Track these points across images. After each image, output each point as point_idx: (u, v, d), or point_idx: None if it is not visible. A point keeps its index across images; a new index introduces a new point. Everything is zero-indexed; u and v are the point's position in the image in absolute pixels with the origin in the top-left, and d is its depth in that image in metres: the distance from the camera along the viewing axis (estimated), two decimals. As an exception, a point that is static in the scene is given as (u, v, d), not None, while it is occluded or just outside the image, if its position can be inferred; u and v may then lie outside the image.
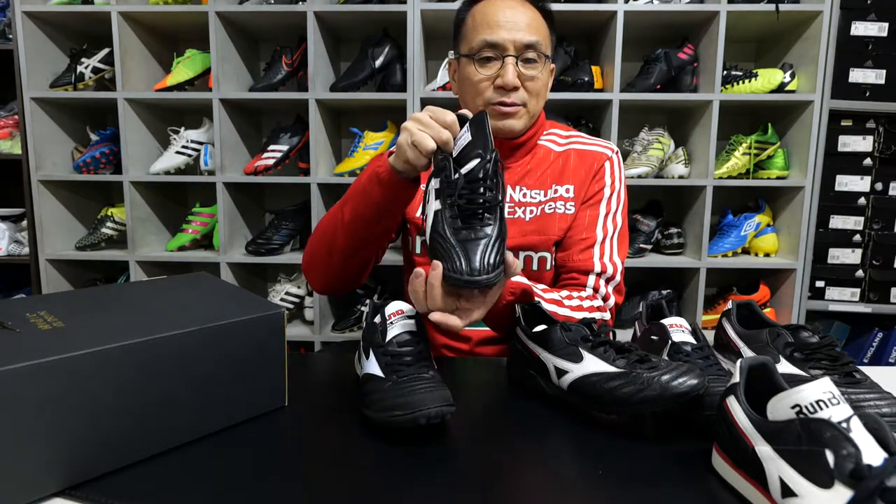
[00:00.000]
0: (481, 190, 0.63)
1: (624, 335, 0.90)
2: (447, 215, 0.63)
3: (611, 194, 0.96)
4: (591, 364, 0.61)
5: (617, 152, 1.00)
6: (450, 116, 0.69)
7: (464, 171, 0.64)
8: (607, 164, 0.97)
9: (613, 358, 0.61)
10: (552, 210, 0.94)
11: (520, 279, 0.78)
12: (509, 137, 0.94)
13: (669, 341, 0.66)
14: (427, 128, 0.68)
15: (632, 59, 1.81)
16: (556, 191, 0.95)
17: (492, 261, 0.60)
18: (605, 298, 0.91)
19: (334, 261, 0.86)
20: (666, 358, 0.64)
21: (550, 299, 0.83)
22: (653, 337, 0.68)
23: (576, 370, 0.62)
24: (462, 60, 0.93)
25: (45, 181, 1.76)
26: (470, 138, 0.66)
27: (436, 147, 0.67)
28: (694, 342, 0.66)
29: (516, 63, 0.88)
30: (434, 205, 0.65)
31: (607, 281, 0.91)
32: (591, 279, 0.90)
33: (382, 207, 0.78)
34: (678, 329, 0.67)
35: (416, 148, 0.68)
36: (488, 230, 0.62)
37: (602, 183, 0.96)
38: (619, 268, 0.92)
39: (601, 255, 0.92)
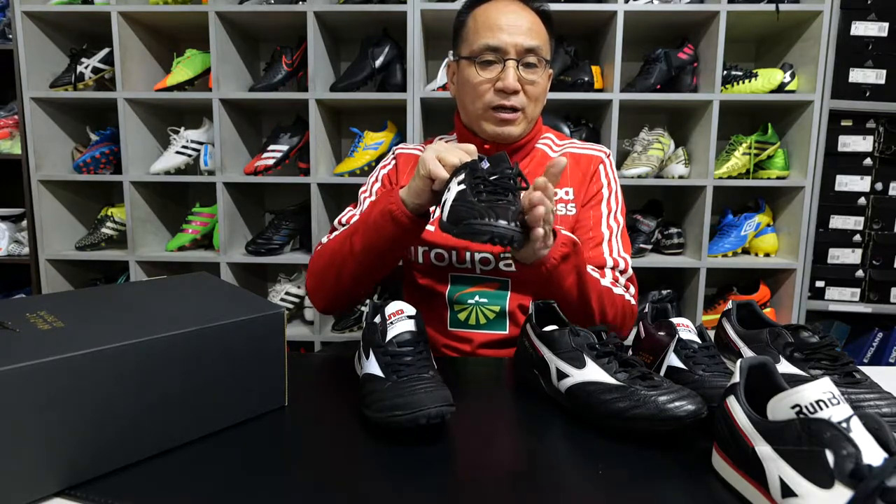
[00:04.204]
0: (507, 179, 0.68)
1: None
2: (473, 190, 0.67)
3: (609, 195, 0.98)
4: (592, 372, 0.61)
5: (609, 154, 1.01)
6: (471, 147, 0.75)
7: (485, 165, 0.70)
8: (601, 167, 0.99)
9: (615, 370, 0.61)
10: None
11: (569, 233, 0.78)
12: (508, 142, 0.95)
13: (676, 336, 0.66)
14: (451, 150, 0.74)
15: (632, 59, 1.81)
16: (555, 193, 0.95)
17: (516, 226, 0.64)
18: (625, 287, 0.91)
19: (343, 286, 0.88)
20: (666, 378, 0.63)
21: (592, 269, 0.86)
22: (660, 333, 0.69)
23: (576, 375, 0.62)
24: (462, 63, 0.94)
25: (45, 181, 1.76)
26: (489, 165, 0.71)
27: (459, 163, 0.72)
28: (700, 342, 0.66)
29: (517, 67, 0.89)
30: (457, 188, 0.69)
31: (621, 273, 0.92)
32: (608, 273, 0.91)
33: (394, 242, 0.81)
34: (684, 328, 0.67)
35: (439, 162, 0.73)
36: (510, 199, 0.67)
37: (600, 184, 0.98)
38: (629, 262, 0.94)
39: (610, 251, 0.93)
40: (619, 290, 0.88)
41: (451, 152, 0.73)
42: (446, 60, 1.71)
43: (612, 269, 0.91)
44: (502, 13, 0.90)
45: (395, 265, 0.91)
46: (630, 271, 0.93)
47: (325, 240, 0.95)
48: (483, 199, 0.66)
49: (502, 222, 0.62)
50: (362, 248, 0.82)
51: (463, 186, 0.68)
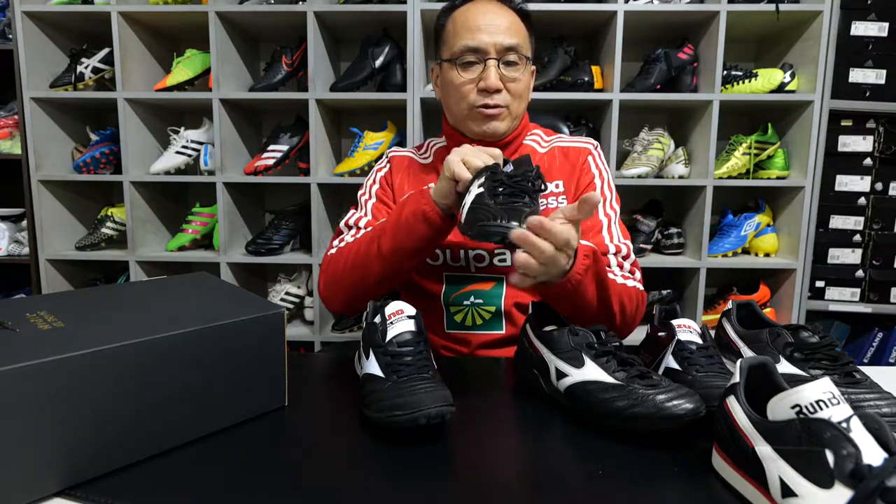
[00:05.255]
0: (525, 182, 0.68)
1: (636, 332, 0.91)
2: (490, 193, 0.67)
3: (602, 184, 0.98)
4: (591, 371, 0.62)
5: (597, 146, 1.02)
6: (496, 151, 0.76)
7: (508, 169, 0.70)
8: (590, 158, 0.99)
9: (614, 369, 0.61)
10: (544, 206, 0.95)
11: (586, 243, 0.77)
12: (494, 139, 0.96)
13: (675, 339, 0.66)
14: (476, 153, 0.75)
15: (632, 59, 1.81)
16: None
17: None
18: (630, 273, 0.91)
19: (369, 288, 0.87)
20: (666, 378, 0.63)
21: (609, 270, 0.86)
22: (660, 334, 0.69)
23: (575, 375, 0.62)
24: (444, 65, 0.95)
25: (45, 181, 1.76)
26: (512, 168, 0.71)
27: (483, 166, 0.72)
28: (700, 342, 0.66)
29: (498, 66, 0.89)
30: (476, 191, 0.69)
31: (624, 258, 0.92)
32: (612, 259, 0.90)
33: (426, 242, 0.81)
34: (686, 329, 0.67)
35: (465, 165, 0.73)
36: (527, 202, 0.67)
37: (591, 174, 0.98)
38: (631, 247, 0.93)
39: (611, 237, 0.93)
40: (631, 283, 0.88)
41: (475, 155, 0.73)
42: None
43: (615, 254, 0.91)
44: (480, 14, 0.90)
45: (422, 264, 0.92)
46: (633, 256, 0.93)
47: (336, 243, 0.94)
48: (499, 202, 0.65)
49: (514, 223, 0.62)
50: (392, 249, 0.82)
51: (482, 189, 0.68)
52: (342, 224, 0.98)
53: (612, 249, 0.91)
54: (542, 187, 0.70)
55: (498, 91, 0.90)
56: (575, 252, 0.71)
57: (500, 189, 0.67)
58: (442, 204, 0.77)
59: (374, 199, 1.00)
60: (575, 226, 0.68)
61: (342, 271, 0.89)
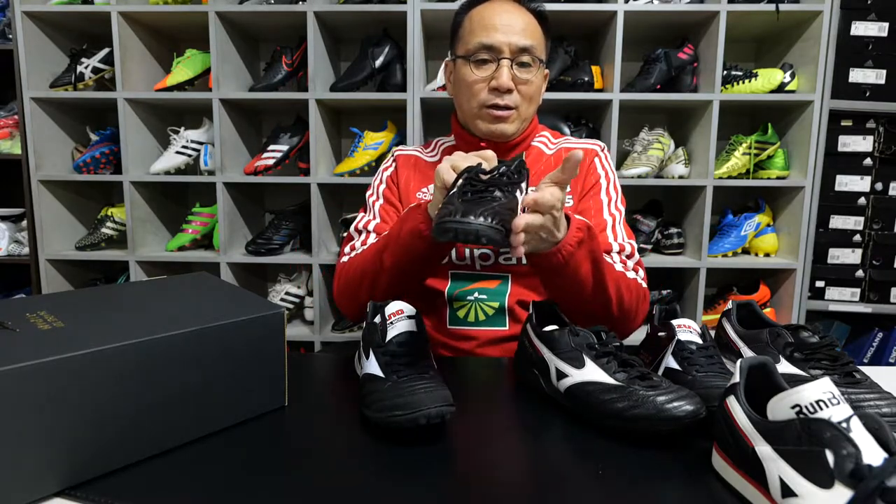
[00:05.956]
0: (501, 177, 0.64)
1: (636, 332, 0.91)
2: (462, 191, 0.63)
3: (608, 184, 0.98)
4: (592, 372, 0.62)
5: (604, 148, 1.02)
6: (489, 153, 0.73)
7: (485, 167, 0.66)
8: (597, 159, 1.00)
9: (615, 370, 0.61)
10: None
11: (582, 218, 0.75)
12: (502, 140, 0.96)
13: (675, 339, 0.66)
14: (467, 158, 0.72)
15: (632, 59, 1.81)
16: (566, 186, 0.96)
17: (490, 222, 0.58)
18: (633, 270, 0.91)
19: (380, 297, 0.86)
20: (666, 378, 0.63)
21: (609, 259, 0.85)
22: (660, 334, 0.69)
23: (576, 375, 0.62)
24: (458, 62, 0.95)
25: (45, 181, 1.76)
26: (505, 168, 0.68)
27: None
28: (700, 342, 0.66)
29: (511, 66, 0.90)
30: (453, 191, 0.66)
31: (628, 257, 0.92)
32: (616, 258, 0.90)
33: (425, 259, 0.81)
34: (686, 329, 0.67)
35: (453, 171, 0.70)
36: (496, 196, 0.62)
37: (597, 174, 0.98)
38: (635, 247, 0.93)
39: (615, 236, 0.93)
40: (631, 274, 0.88)
41: (464, 159, 0.72)
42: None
43: (619, 253, 0.91)
44: (497, 13, 0.91)
45: (433, 273, 0.92)
46: (637, 255, 0.93)
47: (348, 250, 0.95)
48: (466, 199, 0.62)
49: (471, 218, 0.57)
50: (393, 264, 0.82)
51: (455, 189, 0.66)
52: (352, 229, 0.98)
53: (616, 248, 0.91)
54: (519, 179, 0.66)
55: (509, 91, 0.90)
56: (568, 224, 0.71)
57: (473, 186, 0.63)
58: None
59: (381, 200, 1.01)
60: (560, 188, 0.67)
61: (352, 281, 0.89)
